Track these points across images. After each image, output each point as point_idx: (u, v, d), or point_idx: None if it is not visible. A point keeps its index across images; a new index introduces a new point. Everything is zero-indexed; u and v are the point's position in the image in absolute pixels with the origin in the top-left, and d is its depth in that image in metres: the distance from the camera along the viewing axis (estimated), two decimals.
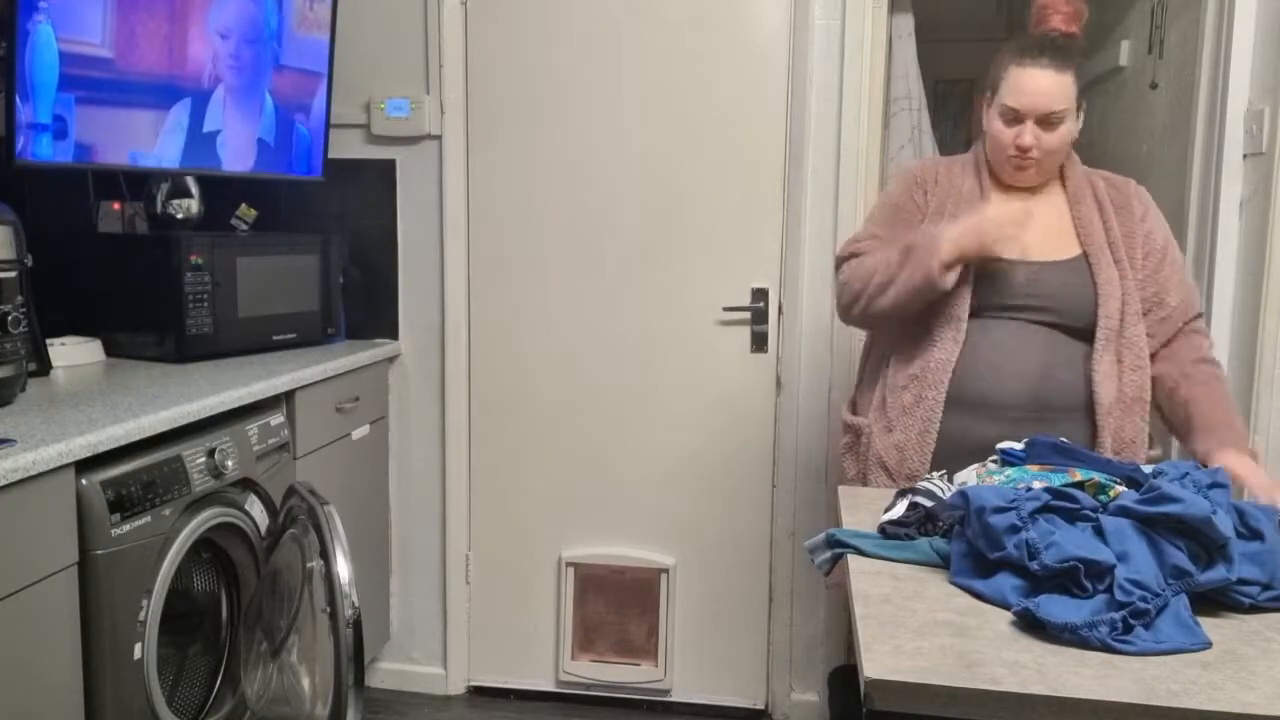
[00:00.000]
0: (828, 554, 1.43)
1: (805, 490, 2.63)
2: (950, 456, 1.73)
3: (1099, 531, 1.23)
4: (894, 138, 2.71)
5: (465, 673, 2.86)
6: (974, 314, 1.79)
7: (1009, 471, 1.46)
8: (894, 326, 1.86)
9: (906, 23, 2.68)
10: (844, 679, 2.36)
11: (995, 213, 1.73)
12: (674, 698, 2.76)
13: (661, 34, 2.59)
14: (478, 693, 2.85)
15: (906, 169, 1.99)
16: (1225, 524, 1.20)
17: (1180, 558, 1.19)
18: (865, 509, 1.64)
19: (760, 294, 2.61)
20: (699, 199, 2.61)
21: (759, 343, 2.63)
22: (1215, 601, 1.22)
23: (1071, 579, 1.18)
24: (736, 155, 2.59)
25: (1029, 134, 1.75)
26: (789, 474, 2.64)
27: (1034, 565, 1.20)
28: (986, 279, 1.78)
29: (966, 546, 1.30)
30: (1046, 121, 1.74)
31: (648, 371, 2.69)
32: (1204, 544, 1.21)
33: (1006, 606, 1.20)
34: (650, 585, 2.74)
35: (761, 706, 2.74)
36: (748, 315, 2.63)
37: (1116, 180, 1.89)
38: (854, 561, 1.39)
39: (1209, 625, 1.16)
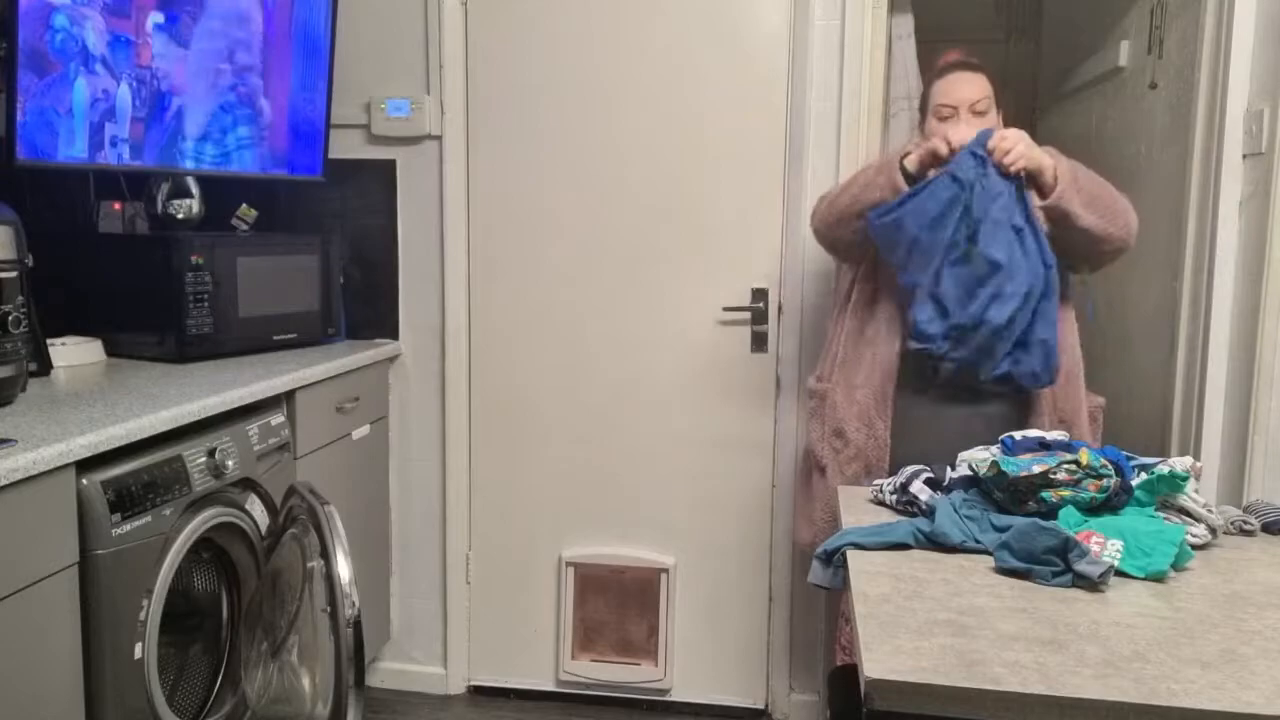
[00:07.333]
0: (831, 568, 1.50)
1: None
2: (909, 410, 2.05)
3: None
4: (894, 138, 2.71)
5: (465, 672, 2.87)
6: None
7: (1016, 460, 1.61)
8: (856, 253, 2.13)
9: (906, 23, 2.68)
10: (844, 679, 2.36)
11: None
12: (674, 697, 2.76)
13: (661, 34, 2.59)
14: (478, 692, 2.86)
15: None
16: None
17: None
18: (864, 509, 1.65)
19: (760, 294, 2.61)
20: (699, 199, 2.61)
21: (759, 343, 2.63)
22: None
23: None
24: (736, 155, 2.58)
25: (964, 123, 2.05)
26: (789, 474, 2.64)
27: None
28: None
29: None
30: (975, 110, 2.06)
31: (648, 371, 2.69)
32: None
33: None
34: (650, 585, 2.74)
35: (761, 706, 2.75)
36: (748, 315, 2.63)
37: None
38: (854, 561, 1.40)
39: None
